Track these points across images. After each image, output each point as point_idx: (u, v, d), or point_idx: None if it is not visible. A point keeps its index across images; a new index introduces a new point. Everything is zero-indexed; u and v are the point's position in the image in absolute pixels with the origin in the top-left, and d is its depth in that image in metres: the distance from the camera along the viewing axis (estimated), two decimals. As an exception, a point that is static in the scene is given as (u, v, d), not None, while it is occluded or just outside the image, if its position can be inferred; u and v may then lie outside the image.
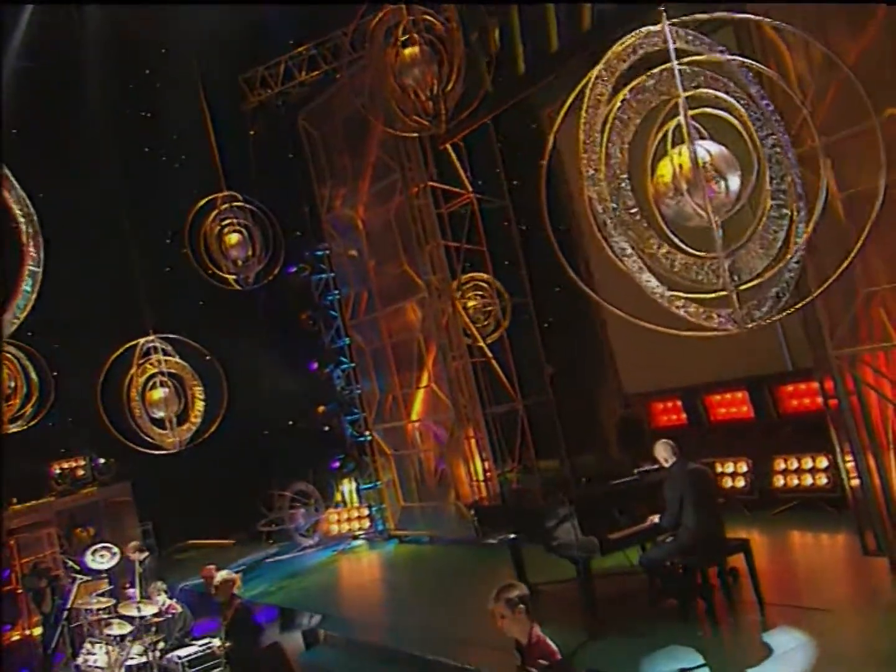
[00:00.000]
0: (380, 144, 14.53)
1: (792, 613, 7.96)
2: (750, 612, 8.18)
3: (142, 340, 12.56)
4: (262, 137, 18.04)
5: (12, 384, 12.15)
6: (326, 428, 18.70)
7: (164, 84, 19.40)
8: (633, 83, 5.00)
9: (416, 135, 11.55)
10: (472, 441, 13.85)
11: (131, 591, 11.91)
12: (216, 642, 10.71)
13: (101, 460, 17.99)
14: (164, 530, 18.48)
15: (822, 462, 11.74)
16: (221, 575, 10.38)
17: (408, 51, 9.99)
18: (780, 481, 12.12)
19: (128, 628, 11.49)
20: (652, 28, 5.07)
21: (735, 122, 5.09)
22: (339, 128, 15.53)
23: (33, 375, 12.02)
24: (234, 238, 14.50)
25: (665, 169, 5.00)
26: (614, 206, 4.86)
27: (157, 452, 12.85)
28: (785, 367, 12.57)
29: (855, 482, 8.96)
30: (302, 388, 17.43)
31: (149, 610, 11.39)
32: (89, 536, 17.24)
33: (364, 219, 15.45)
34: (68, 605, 12.56)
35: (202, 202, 14.46)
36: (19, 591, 15.94)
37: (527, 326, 15.88)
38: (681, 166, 4.90)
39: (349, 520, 16.55)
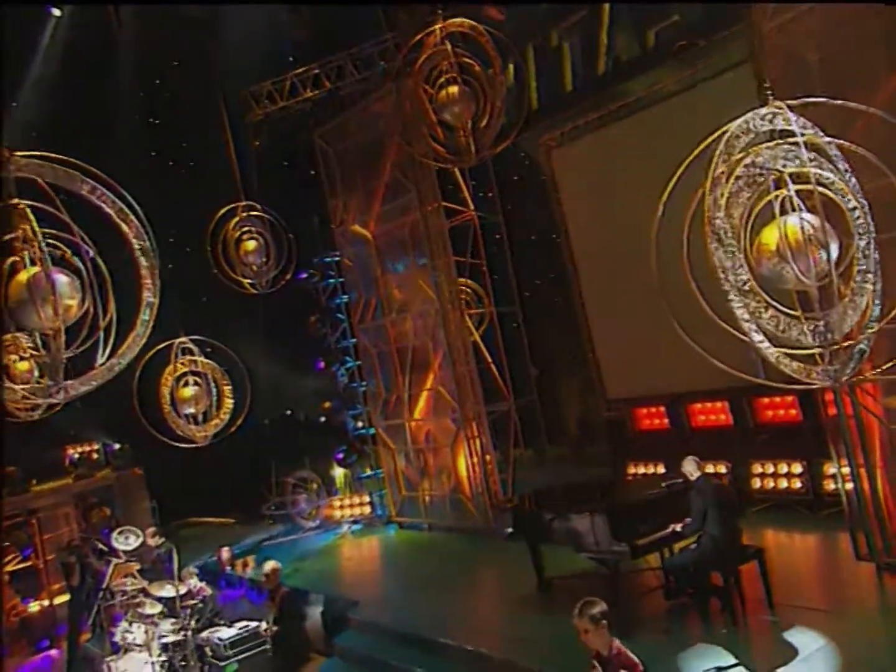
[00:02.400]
0: (395, 166, 14.43)
1: (805, 615, 8.11)
2: (761, 612, 8.32)
3: (176, 341, 12.39)
4: (266, 148, 17.82)
5: (37, 373, 11.92)
6: (323, 419, 18.66)
7: (172, 94, 19.11)
8: (745, 159, 5.04)
9: (450, 166, 11.47)
10: (476, 438, 13.86)
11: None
12: (254, 625, 10.66)
13: (117, 446, 17.72)
14: (167, 508, 18.24)
15: (797, 468, 12.00)
16: (270, 564, 10.36)
17: (450, 90, 9.92)
18: (757, 483, 12.35)
19: (159, 608, 11.41)
20: (762, 110, 5.14)
21: (831, 195, 5.16)
22: (354, 148, 15.39)
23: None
24: (251, 245, 14.29)
25: (770, 237, 5.06)
26: (734, 276, 4.91)
27: (186, 445, 12.68)
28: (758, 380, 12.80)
29: (849, 486, 9.16)
30: (309, 384, 17.34)
31: (182, 591, 11.35)
32: (105, 516, 17.00)
33: (375, 232, 15.34)
34: (104, 585, 12.37)
35: (223, 210, 14.23)
36: (40, 566, 15.70)
37: (515, 333, 16.01)
38: (787, 235, 4.97)
39: (351, 506, 16.47)
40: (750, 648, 7.78)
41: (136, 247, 6.34)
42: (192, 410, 12.68)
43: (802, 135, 4.89)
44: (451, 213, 15.01)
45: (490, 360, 14.53)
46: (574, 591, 9.96)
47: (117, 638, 11.47)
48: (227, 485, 17.88)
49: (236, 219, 14.16)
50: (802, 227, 4.93)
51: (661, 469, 13.61)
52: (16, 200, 5.94)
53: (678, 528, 8.67)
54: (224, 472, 17.62)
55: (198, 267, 14.50)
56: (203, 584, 11.91)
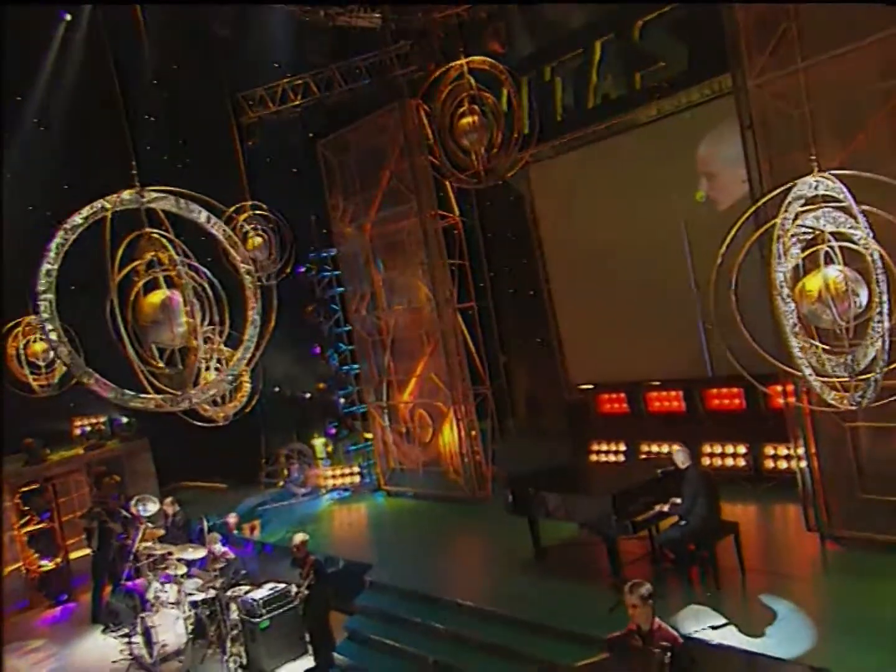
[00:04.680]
0: (395, 175, 14.47)
1: (773, 580, 8.71)
2: (736, 577, 8.86)
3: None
4: (262, 148, 17.63)
5: (51, 354, 11.82)
6: (308, 395, 18.72)
7: (170, 93, 18.67)
8: (798, 220, 5.43)
9: (468, 186, 11.63)
10: (464, 419, 14.14)
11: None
12: (282, 586, 10.84)
13: (124, 419, 17.52)
14: (163, 472, 18.09)
15: (741, 449, 12.64)
16: (299, 536, 10.61)
17: (472, 119, 10.13)
18: (707, 462, 12.91)
19: (183, 569, 11.56)
20: (809, 179, 5.53)
21: (860, 249, 5.58)
22: (355, 157, 15.35)
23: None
24: (258, 240, 14.23)
25: (813, 285, 5.47)
26: (789, 320, 5.31)
27: (206, 425, 12.67)
28: (706, 373, 13.39)
29: (803, 465, 9.72)
30: (306, 367, 17.49)
31: (204, 555, 11.58)
32: (115, 483, 16.82)
33: (371, 234, 15.40)
34: (134, 548, 12.37)
35: (232, 209, 14.10)
36: (56, 528, 15.55)
37: (487, 323, 16.37)
38: (829, 285, 5.38)
39: (342, 475, 16.61)
40: (733, 609, 8.23)
41: (244, 270, 6.46)
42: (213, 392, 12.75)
43: (829, 199, 5.29)
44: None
45: (474, 349, 14.81)
46: (566, 557, 10.50)
47: (150, 596, 11.56)
48: (220, 453, 17.75)
49: (244, 215, 14.07)
50: (844, 278, 5.34)
51: (621, 447, 14.18)
52: (147, 230, 6.00)
53: (665, 508, 9.21)
54: (218, 441, 17.49)
55: (199, 259, 14.34)
56: (226, 549, 12.03)
